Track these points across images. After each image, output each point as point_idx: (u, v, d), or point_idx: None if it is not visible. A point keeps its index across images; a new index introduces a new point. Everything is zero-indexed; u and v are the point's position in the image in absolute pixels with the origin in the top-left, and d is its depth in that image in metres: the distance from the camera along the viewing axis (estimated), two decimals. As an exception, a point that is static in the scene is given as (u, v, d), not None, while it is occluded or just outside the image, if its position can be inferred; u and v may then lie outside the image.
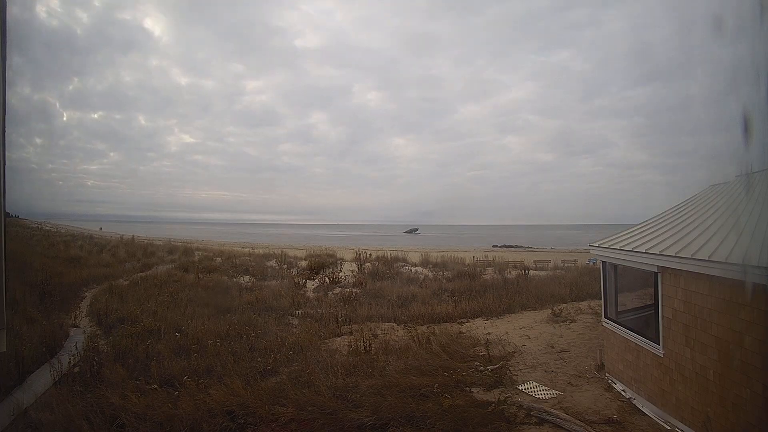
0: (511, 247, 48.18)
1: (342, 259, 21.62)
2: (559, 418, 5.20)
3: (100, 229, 56.07)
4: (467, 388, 6.30)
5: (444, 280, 15.88)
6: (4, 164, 2.38)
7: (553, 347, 8.33)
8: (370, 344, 8.03)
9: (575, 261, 21.10)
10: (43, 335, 8.14)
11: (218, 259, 21.62)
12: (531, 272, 17.05)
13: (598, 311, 8.78)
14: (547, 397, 6.05)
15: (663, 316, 5.13)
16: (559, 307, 11.09)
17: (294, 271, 18.27)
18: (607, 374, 6.67)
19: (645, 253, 5.31)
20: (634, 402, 5.72)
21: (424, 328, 9.86)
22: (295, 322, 10.59)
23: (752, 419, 3.86)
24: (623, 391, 6.07)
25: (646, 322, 5.71)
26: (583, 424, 5.09)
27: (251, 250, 25.98)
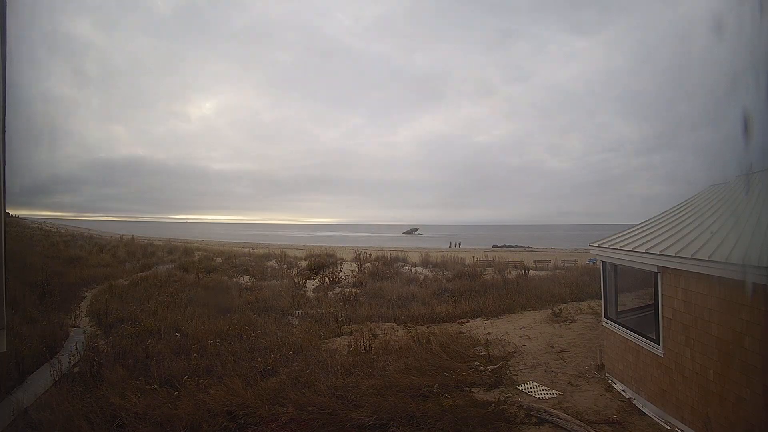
0: (511, 247, 48.14)
1: (342, 259, 21.60)
2: (559, 418, 5.19)
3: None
4: (467, 388, 6.30)
5: (444, 280, 15.87)
6: (5, 164, 2.38)
7: (553, 347, 8.32)
8: (370, 344, 8.04)
9: (575, 261, 21.09)
10: (43, 335, 8.14)
11: (218, 259, 21.63)
12: (531, 272, 17.04)
13: (598, 311, 8.77)
14: (547, 397, 6.05)
15: (663, 316, 5.13)
16: (559, 307, 11.08)
17: (294, 271, 18.26)
18: (607, 374, 6.67)
19: (645, 253, 5.30)
20: (634, 402, 5.72)
21: (424, 328, 9.86)
22: (295, 322, 10.59)
23: (752, 419, 3.86)
24: (623, 391, 6.07)
25: (646, 323, 5.71)
26: (583, 424, 5.09)
27: (251, 251, 25.97)
